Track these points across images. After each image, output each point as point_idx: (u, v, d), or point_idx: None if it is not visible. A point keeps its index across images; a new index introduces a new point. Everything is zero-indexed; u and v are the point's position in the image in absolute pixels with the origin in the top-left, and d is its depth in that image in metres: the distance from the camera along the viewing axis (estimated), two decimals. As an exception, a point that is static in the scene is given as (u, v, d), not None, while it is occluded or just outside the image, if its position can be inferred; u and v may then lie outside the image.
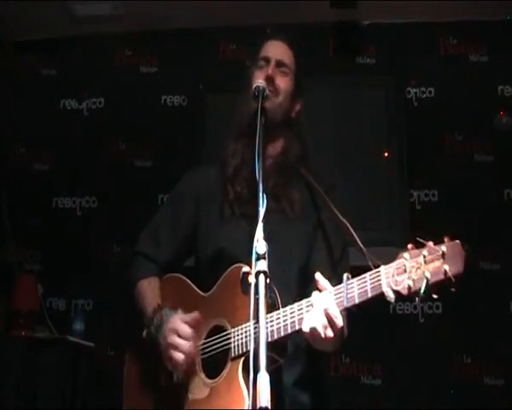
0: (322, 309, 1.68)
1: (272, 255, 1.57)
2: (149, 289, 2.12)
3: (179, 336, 1.90)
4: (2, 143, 4.47)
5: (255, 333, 1.51)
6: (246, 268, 1.61)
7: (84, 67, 4.50)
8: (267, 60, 2.16)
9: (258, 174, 1.74)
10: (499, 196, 3.99)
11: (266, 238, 1.58)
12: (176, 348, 1.90)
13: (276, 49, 2.19)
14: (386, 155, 4.13)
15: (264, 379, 1.38)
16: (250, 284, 1.52)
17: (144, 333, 2.01)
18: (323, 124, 4.03)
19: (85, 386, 3.68)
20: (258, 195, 1.68)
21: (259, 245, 1.54)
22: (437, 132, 4.12)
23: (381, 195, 4.05)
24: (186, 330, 1.90)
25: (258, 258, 1.53)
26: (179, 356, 1.90)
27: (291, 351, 1.89)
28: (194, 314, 1.93)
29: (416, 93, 4.23)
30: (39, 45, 4.62)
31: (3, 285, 3.91)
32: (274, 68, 2.13)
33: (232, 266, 1.94)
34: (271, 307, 1.77)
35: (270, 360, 1.45)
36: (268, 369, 1.41)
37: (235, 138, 2.16)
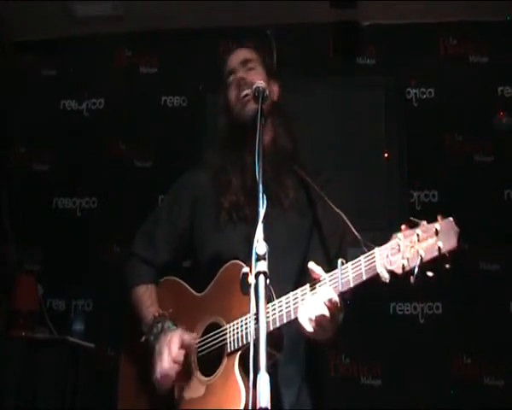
0: (321, 299, 1.68)
1: (270, 250, 1.57)
2: (146, 296, 2.12)
3: (170, 355, 1.90)
4: (2, 143, 4.47)
5: (253, 326, 1.51)
6: (245, 269, 1.61)
7: (84, 67, 4.50)
8: (233, 71, 2.21)
9: (258, 175, 1.74)
10: (499, 196, 3.99)
11: (264, 233, 1.58)
12: (162, 363, 1.91)
13: (235, 56, 2.24)
14: (386, 155, 4.13)
15: (264, 380, 1.37)
16: (250, 285, 1.52)
17: (143, 339, 2.02)
18: (323, 124, 4.03)
19: (85, 386, 3.68)
20: (258, 196, 1.68)
21: (259, 246, 1.54)
22: (437, 133, 4.12)
23: (381, 195, 4.05)
24: (179, 355, 1.90)
25: (258, 259, 1.53)
26: (162, 370, 1.91)
27: (288, 348, 1.89)
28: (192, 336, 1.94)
29: (415, 93, 4.23)
30: (39, 45, 4.62)
31: (3, 285, 3.91)
32: (241, 69, 2.19)
33: (228, 263, 1.95)
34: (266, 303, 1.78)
35: (266, 354, 1.44)
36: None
37: (219, 153, 2.21)
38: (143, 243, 2.21)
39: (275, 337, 1.79)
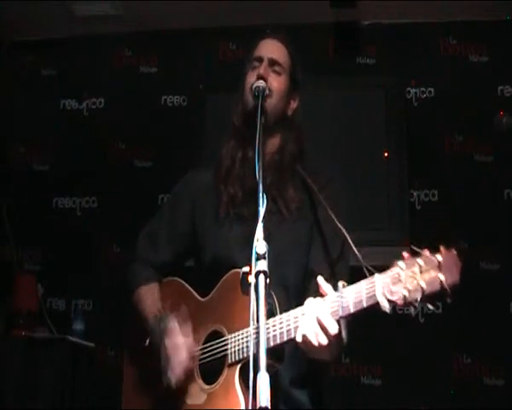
0: (313, 317, 1.67)
1: (270, 257, 1.56)
2: (149, 295, 2.12)
3: (178, 342, 1.90)
4: (2, 143, 4.47)
5: (254, 338, 1.51)
6: (246, 268, 1.60)
7: (84, 67, 4.49)
8: (260, 59, 2.12)
9: (259, 174, 1.74)
10: (499, 196, 3.99)
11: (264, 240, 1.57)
12: (176, 351, 1.90)
13: (269, 48, 2.15)
14: (386, 155, 4.13)
15: (264, 379, 1.37)
16: (250, 285, 1.52)
17: (147, 341, 2.01)
18: (323, 124, 4.03)
19: (85, 386, 3.68)
20: (258, 195, 1.67)
21: (259, 245, 1.54)
22: (437, 132, 4.11)
23: (381, 195, 4.05)
24: (186, 342, 1.91)
25: (258, 258, 1.52)
26: (175, 367, 1.90)
27: (289, 350, 1.89)
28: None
29: (415, 93, 4.23)
30: (39, 45, 4.62)
31: (3, 285, 3.91)
32: (266, 67, 2.09)
33: (230, 271, 1.93)
34: (269, 314, 1.75)
35: (267, 366, 1.44)
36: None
37: (227, 139, 2.15)
38: (145, 245, 2.21)
39: (275, 350, 1.77)
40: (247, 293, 1.53)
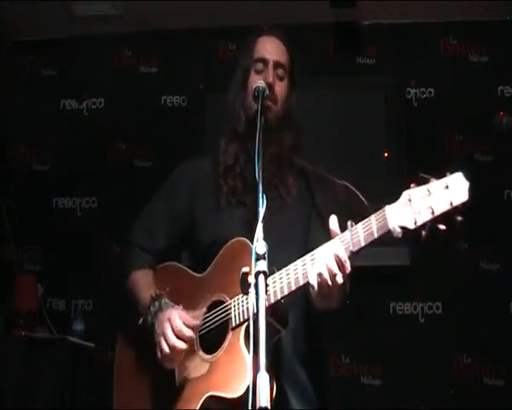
0: (329, 255, 1.66)
1: (272, 240, 1.56)
2: (144, 279, 2.12)
3: (173, 331, 1.89)
4: (2, 143, 4.47)
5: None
6: (246, 268, 1.61)
7: (84, 67, 4.49)
8: (265, 62, 2.13)
9: (259, 175, 1.74)
10: (499, 196, 3.99)
11: (265, 225, 1.58)
12: (166, 340, 1.89)
13: (269, 48, 2.15)
14: (386, 155, 4.13)
15: (263, 379, 1.37)
16: (250, 285, 1.52)
17: (140, 320, 2.00)
18: (323, 124, 4.03)
19: (85, 386, 3.68)
20: (258, 195, 1.68)
21: (259, 245, 1.54)
22: (437, 132, 4.11)
23: (381, 195, 4.04)
24: (183, 329, 1.89)
25: (258, 258, 1.52)
26: (165, 348, 1.89)
27: (290, 347, 1.88)
28: (195, 314, 1.92)
29: (415, 93, 4.23)
30: (39, 45, 4.62)
31: (3, 285, 3.91)
32: (273, 74, 2.11)
33: (232, 240, 1.94)
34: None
35: (271, 329, 1.44)
36: (269, 340, 1.40)
37: (227, 138, 2.16)
38: (141, 231, 2.22)
39: (279, 312, 1.78)
40: (247, 293, 1.53)
